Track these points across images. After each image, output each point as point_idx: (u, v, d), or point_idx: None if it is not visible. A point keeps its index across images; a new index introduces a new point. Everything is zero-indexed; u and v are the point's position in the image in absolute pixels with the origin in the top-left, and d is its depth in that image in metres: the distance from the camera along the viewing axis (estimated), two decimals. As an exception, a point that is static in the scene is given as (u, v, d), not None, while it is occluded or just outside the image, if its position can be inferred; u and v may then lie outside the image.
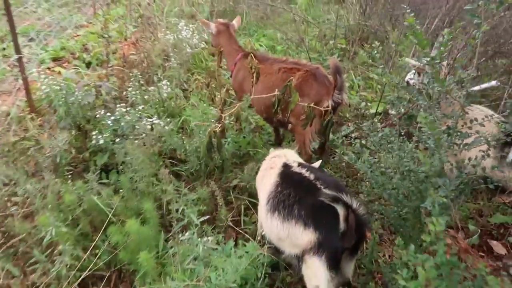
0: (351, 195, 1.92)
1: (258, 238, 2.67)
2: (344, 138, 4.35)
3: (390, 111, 4.64)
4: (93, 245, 2.56)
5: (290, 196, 2.10)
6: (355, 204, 1.89)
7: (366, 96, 4.92)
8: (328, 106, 2.96)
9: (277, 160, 2.51)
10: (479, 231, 3.06)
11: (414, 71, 3.75)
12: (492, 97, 3.73)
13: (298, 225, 2.00)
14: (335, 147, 4.08)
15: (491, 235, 3.18)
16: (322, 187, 2.03)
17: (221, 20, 4.09)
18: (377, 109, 4.56)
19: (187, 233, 2.16)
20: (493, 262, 2.96)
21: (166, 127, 3.12)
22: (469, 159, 2.16)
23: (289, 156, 2.60)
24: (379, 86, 5.17)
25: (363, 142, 4.15)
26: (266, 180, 2.38)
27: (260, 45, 6.56)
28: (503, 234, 3.16)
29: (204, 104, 3.32)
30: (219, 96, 2.91)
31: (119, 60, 5.29)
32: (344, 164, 3.84)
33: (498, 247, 3.06)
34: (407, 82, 3.87)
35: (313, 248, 1.94)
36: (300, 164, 2.33)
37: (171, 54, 4.54)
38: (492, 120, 2.92)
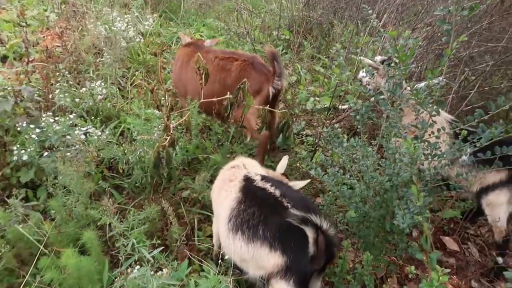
0: (320, 214, 1.83)
1: (215, 257, 2.48)
2: (295, 136, 4.28)
3: (340, 107, 4.59)
4: (23, 283, 2.17)
5: (255, 216, 1.94)
6: (325, 225, 1.79)
7: (314, 90, 4.82)
8: (268, 93, 3.09)
9: (237, 171, 2.33)
10: (432, 228, 3.11)
11: (366, 68, 3.68)
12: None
13: (263, 247, 1.87)
14: (288, 146, 3.94)
15: (442, 231, 3.25)
16: (289, 206, 1.90)
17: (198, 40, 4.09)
18: (330, 105, 4.49)
19: (136, 269, 1.87)
20: (447, 259, 3.02)
21: (104, 136, 2.73)
22: (435, 167, 2.11)
23: (250, 166, 2.42)
24: (326, 80, 5.10)
25: (315, 140, 4.11)
26: (224, 194, 2.20)
27: (201, 36, 6.20)
28: (454, 229, 3.24)
29: (148, 110, 2.95)
30: (164, 100, 2.58)
31: (41, 53, 4.66)
32: (298, 164, 3.71)
33: (450, 243, 3.14)
34: (360, 80, 3.81)
35: (280, 272, 1.83)
36: (263, 178, 2.16)
37: (104, 48, 4.05)
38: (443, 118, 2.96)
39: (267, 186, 2.05)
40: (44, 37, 5.36)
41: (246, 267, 2.02)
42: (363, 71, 3.83)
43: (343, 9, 5.79)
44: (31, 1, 6.34)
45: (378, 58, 3.56)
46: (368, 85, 3.58)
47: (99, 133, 2.76)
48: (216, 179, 2.43)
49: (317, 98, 4.75)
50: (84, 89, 3.34)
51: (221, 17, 6.65)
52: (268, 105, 2.77)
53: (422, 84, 2.48)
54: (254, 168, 2.40)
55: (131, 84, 4.51)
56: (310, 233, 1.79)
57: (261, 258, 1.88)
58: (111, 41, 3.85)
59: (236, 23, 6.19)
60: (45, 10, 6.04)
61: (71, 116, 2.84)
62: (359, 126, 2.43)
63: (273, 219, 1.89)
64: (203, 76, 2.76)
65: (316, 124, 4.40)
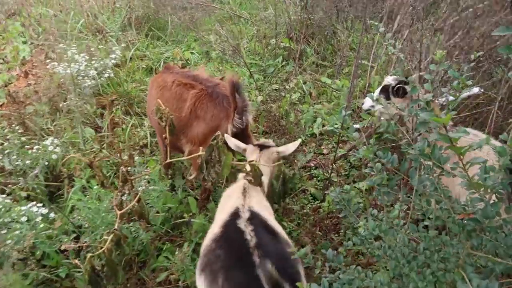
0: (295, 279, 1.60)
1: None
2: (301, 170, 3.62)
3: (353, 125, 3.88)
4: None
5: (219, 260, 1.74)
6: None
7: (322, 109, 4.13)
8: (227, 132, 2.54)
9: (238, 200, 2.02)
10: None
11: (377, 93, 2.94)
12: (473, 108, 3.05)
13: None
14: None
15: None
16: (258, 261, 1.64)
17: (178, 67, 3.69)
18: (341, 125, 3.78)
19: None
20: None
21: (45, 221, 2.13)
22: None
23: (250, 197, 2.06)
24: (334, 93, 4.39)
25: (326, 172, 3.42)
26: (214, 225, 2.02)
27: (192, 53, 5.59)
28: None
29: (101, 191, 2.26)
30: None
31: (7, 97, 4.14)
32: (307, 210, 3.04)
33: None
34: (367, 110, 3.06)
35: None
36: (251, 218, 1.88)
37: (70, 87, 3.47)
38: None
39: (247, 230, 1.78)
40: (17, 75, 4.86)
41: None
42: (369, 97, 3.04)
43: (346, 9, 5.06)
44: (12, 34, 5.85)
45: (390, 78, 2.83)
46: (381, 114, 2.88)
47: (44, 211, 2.16)
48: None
49: (324, 119, 4.05)
50: (36, 147, 2.76)
51: (214, 29, 6.02)
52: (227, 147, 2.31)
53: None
54: (254, 202, 2.03)
55: (110, 122, 3.94)
56: None
57: None
58: (73, 82, 3.26)
59: (229, 34, 5.53)
60: (24, 43, 5.54)
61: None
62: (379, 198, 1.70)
63: (236, 273, 1.68)
64: (166, 128, 2.14)
65: (327, 151, 3.71)
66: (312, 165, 3.55)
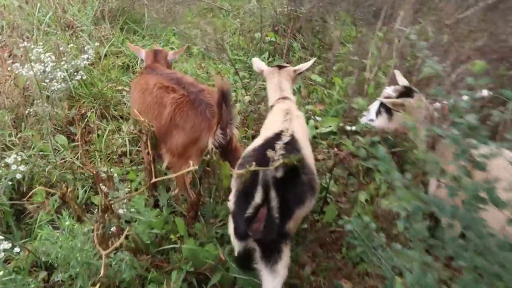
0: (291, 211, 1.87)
1: None
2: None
3: (348, 128, 3.65)
4: None
5: (247, 163, 1.88)
6: (273, 205, 1.79)
7: (314, 110, 3.88)
8: (206, 147, 2.34)
9: (280, 122, 2.26)
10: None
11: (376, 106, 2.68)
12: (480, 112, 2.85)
13: (233, 189, 1.98)
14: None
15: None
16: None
17: (156, 47, 3.41)
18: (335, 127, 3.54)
19: None
20: None
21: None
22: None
23: (293, 120, 2.27)
24: (325, 92, 4.14)
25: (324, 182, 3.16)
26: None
27: (172, 48, 5.22)
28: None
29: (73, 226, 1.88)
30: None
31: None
32: (305, 224, 2.80)
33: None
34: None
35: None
36: (287, 144, 2.04)
37: (36, 92, 3.09)
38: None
39: (279, 151, 1.94)
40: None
41: None
42: (369, 113, 2.74)
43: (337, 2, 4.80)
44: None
45: (389, 89, 2.57)
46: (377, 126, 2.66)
47: (7, 246, 1.83)
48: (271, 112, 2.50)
49: (317, 118, 3.81)
50: (-2, 165, 2.40)
51: (195, 22, 5.65)
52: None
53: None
54: (295, 122, 2.26)
55: (84, 128, 3.57)
56: (257, 196, 1.77)
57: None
58: (38, 85, 2.88)
59: (211, 27, 5.18)
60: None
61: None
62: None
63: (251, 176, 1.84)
64: (147, 143, 1.84)
65: (322, 157, 3.47)
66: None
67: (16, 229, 2.66)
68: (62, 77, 3.00)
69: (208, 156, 1.72)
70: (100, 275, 1.19)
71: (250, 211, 1.80)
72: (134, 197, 1.99)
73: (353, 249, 2.63)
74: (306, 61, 4.75)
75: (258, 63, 2.79)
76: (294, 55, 4.95)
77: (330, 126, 3.68)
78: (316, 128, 3.69)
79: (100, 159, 3.23)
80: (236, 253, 2.11)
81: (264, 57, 4.87)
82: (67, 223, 1.66)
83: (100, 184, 1.84)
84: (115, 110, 3.91)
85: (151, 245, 2.36)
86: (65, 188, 1.53)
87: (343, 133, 3.65)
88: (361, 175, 3.24)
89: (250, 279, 2.34)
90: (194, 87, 2.60)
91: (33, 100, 3.52)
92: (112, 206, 1.86)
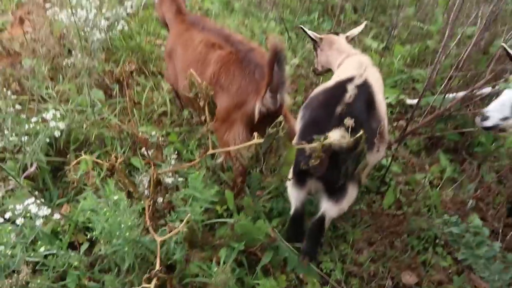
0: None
1: None
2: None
3: (407, 101, 3.29)
4: None
5: (316, 102, 2.06)
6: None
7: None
8: (253, 112, 2.12)
9: (352, 69, 2.20)
10: None
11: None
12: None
13: (299, 126, 2.04)
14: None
15: None
16: (338, 113, 1.86)
17: None
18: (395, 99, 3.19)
19: None
20: None
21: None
22: None
23: (368, 71, 2.18)
24: (382, 60, 3.74)
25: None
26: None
27: (212, 3, 4.85)
28: None
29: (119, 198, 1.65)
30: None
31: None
32: (362, 205, 2.53)
33: None
34: None
35: None
36: (360, 87, 2.00)
37: (75, 41, 2.84)
38: None
39: (351, 92, 1.95)
40: (11, 21, 4.16)
41: None
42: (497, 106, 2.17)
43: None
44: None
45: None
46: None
47: (46, 212, 1.64)
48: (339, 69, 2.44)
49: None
50: (35, 119, 2.19)
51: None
52: (252, 131, 1.92)
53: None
54: (370, 74, 2.17)
55: (121, 85, 3.33)
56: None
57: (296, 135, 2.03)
58: (78, 34, 2.62)
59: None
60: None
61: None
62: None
63: (317, 110, 1.99)
64: (205, 108, 1.57)
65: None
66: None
67: (52, 186, 2.50)
68: (106, 26, 2.72)
69: (275, 129, 1.44)
70: (157, 269, 0.97)
71: (307, 152, 1.69)
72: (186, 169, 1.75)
73: (416, 236, 2.38)
74: (357, 25, 4.38)
75: (311, 33, 2.71)
76: (345, 18, 4.51)
77: (387, 98, 3.32)
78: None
79: (140, 118, 3.01)
80: (292, 210, 2.07)
81: (314, 17, 4.46)
82: (115, 197, 1.45)
83: (149, 152, 1.60)
84: (153, 66, 3.66)
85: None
86: (114, 158, 1.29)
87: (402, 107, 3.30)
88: (423, 155, 2.93)
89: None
90: (243, 45, 2.31)
91: (70, 50, 3.30)
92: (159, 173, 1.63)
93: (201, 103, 1.47)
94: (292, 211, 2.10)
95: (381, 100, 2.15)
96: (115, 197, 1.43)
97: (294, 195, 2.04)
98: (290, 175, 1.95)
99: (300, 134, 1.97)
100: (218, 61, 2.24)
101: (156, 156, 1.50)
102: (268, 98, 2.04)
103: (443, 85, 2.93)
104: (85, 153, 2.69)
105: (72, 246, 1.97)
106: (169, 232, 1.13)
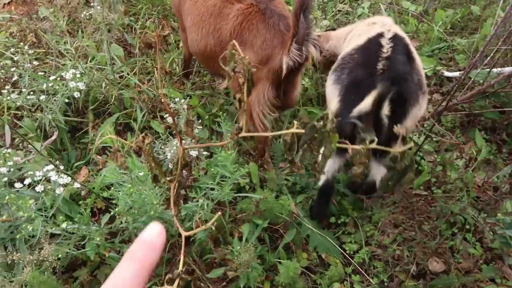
0: (403, 102, 1.75)
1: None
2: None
3: (445, 73, 3.06)
4: None
5: (352, 61, 1.96)
6: (384, 119, 1.66)
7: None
8: (281, 67, 1.99)
9: (377, 27, 2.13)
10: None
11: None
12: None
13: (337, 90, 1.93)
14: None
15: None
16: (381, 69, 1.77)
17: None
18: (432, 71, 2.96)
19: None
20: None
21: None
22: None
23: (391, 26, 2.13)
24: (421, 26, 3.46)
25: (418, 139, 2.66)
26: (352, 44, 2.12)
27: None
28: None
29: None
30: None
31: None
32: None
33: None
34: None
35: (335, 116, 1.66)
36: (393, 38, 1.94)
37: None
38: None
39: (387, 46, 1.87)
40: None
41: (328, 106, 2.06)
42: None
43: None
44: None
45: None
46: None
47: (66, 180, 1.57)
48: (349, 41, 2.31)
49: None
50: (53, 77, 2.07)
51: None
52: (278, 87, 2.08)
53: None
54: (395, 28, 2.12)
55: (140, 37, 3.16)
56: (364, 102, 1.68)
57: (332, 100, 1.95)
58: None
59: None
60: None
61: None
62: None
63: (357, 70, 1.89)
64: (244, 85, 1.43)
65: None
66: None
67: (70, 147, 2.44)
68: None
69: (322, 123, 1.29)
70: (179, 269, 0.88)
71: (353, 116, 1.71)
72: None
73: (444, 221, 2.28)
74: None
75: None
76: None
77: (424, 69, 3.09)
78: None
79: (161, 79, 2.87)
80: (322, 182, 2.03)
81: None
82: (141, 173, 1.36)
83: (176, 123, 1.49)
84: (174, 21, 3.46)
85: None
86: (142, 138, 1.17)
87: (438, 79, 3.08)
88: (457, 132, 2.76)
89: (324, 237, 2.08)
90: None
91: (87, 1, 3.12)
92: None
93: (240, 80, 1.31)
94: (321, 183, 2.04)
95: (415, 52, 2.08)
96: (140, 173, 1.35)
97: (330, 164, 1.94)
98: None
99: (341, 99, 1.87)
100: (239, 15, 2.09)
101: (186, 132, 1.38)
102: (294, 50, 1.92)
103: (488, 58, 2.70)
104: (103, 113, 2.62)
105: (91, 212, 1.94)
106: (196, 228, 1.03)
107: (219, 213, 1.10)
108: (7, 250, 1.64)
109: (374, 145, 1.49)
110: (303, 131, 1.37)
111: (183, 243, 1.14)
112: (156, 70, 2.81)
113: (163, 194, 1.50)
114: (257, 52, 2.05)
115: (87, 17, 2.60)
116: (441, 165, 2.55)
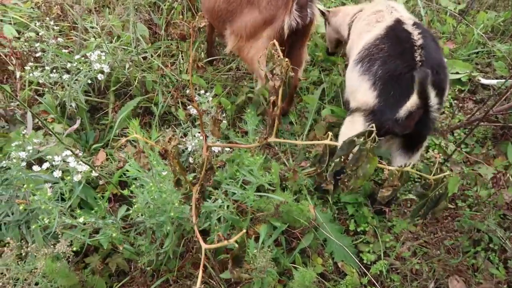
0: (442, 91, 1.75)
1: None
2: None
3: (481, 80, 2.91)
4: None
5: (381, 51, 1.85)
6: (433, 104, 1.62)
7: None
8: (283, 27, 2.04)
9: (386, 15, 2.13)
10: None
11: None
12: None
13: (368, 82, 1.82)
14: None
15: None
16: (419, 61, 1.72)
17: None
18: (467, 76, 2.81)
19: None
20: None
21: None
22: None
23: (402, 11, 2.17)
24: (460, 27, 3.27)
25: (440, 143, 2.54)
26: (366, 35, 2.09)
27: None
28: None
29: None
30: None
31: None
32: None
33: None
34: None
35: (365, 111, 1.83)
36: (415, 24, 1.95)
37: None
38: None
39: (415, 32, 1.85)
40: None
41: (350, 99, 2.01)
42: None
43: None
44: None
45: None
46: None
47: (84, 168, 1.52)
48: (354, 25, 2.33)
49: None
50: (78, 56, 2.01)
51: None
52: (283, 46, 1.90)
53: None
54: (406, 13, 2.17)
55: (166, 24, 3.07)
56: (414, 99, 1.60)
57: (360, 91, 1.86)
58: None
59: None
60: None
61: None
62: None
63: (393, 62, 1.78)
64: (279, 90, 1.34)
65: (443, 112, 2.82)
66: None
67: (89, 127, 2.39)
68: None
69: (363, 140, 1.21)
70: (198, 286, 0.83)
71: (403, 113, 1.64)
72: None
73: (467, 237, 2.18)
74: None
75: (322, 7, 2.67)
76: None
77: (457, 73, 2.95)
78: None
79: (184, 64, 2.79)
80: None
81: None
82: (164, 173, 1.30)
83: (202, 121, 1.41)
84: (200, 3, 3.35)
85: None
86: (168, 141, 1.11)
87: (473, 86, 2.93)
88: (488, 144, 2.63)
89: (340, 245, 2.01)
90: None
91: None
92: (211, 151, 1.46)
93: (277, 83, 1.23)
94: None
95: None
96: (164, 172, 1.29)
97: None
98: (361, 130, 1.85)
99: (379, 94, 1.77)
100: None
101: (213, 131, 1.31)
102: (296, 12, 1.98)
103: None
104: (125, 95, 2.57)
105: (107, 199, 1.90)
106: (217, 242, 0.97)
107: (244, 231, 1.05)
108: (21, 232, 1.62)
109: (409, 168, 1.40)
110: (338, 143, 1.29)
111: (202, 258, 1.08)
112: (182, 57, 2.73)
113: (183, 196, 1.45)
114: (262, 12, 2.09)
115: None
116: (468, 176, 2.45)
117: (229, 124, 2.56)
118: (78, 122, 1.72)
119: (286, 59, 1.33)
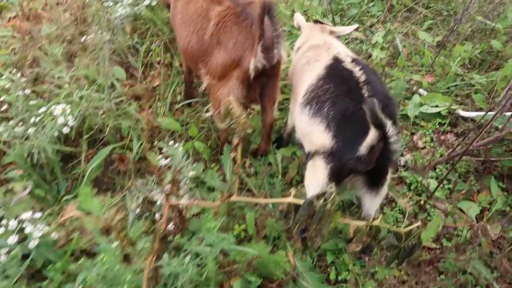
0: (395, 120, 1.76)
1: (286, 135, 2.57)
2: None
3: (460, 113, 2.89)
4: None
5: (327, 92, 1.86)
6: (392, 135, 1.55)
7: (420, 81, 3.10)
8: (247, 69, 2.07)
9: (323, 52, 2.17)
10: None
11: None
12: None
13: (321, 124, 1.83)
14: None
15: None
16: (367, 95, 1.76)
17: None
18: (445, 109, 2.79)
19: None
20: None
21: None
22: None
23: (338, 47, 2.22)
24: (436, 59, 3.29)
25: (419, 181, 2.50)
26: (308, 74, 2.10)
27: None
28: None
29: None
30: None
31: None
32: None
33: None
34: None
35: (324, 153, 1.82)
36: (354, 60, 1.99)
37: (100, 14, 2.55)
38: None
39: (355, 69, 1.89)
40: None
41: (304, 142, 2.04)
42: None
43: None
44: None
45: None
46: None
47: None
48: (295, 61, 2.37)
49: (422, 92, 3.04)
50: (43, 109, 1.97)
51: None
52: (248, 88, 2.18)
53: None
54: (344, 50, 2.20)
55: (144, 64, 3.06)
56: (372, 133, 1.56)
57: (314, 134, 1.86)
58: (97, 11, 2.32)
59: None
60: None
61: None
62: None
63: (342, 101, 1.79)
64: (238, 146, 1.30)
65: (422, 145, 2.78)
66: (401, 162, 2.67)
67: (61, 177, 2.33)
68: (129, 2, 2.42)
69: (322, 201, 1.17)
70: None
71: (363, 150, 1.62)
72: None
73: (453, 281, 2.10)
74: (411, 12, 3.89)
75: (298, 20, 2.59)
76: (398, 1, 4.01)
77: (437, 106, 2.94)
78: (421, 105, 2.95)
79: (161, 107, 2.76)
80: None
81: (363, 0, 3.99)
82: (114, 244, 1.23)
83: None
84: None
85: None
86: (113, 214, 1.05)
87: (454, 119, 2.91)
88: (471, 179, 2.58)
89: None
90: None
91: (92, 21, 3.03)
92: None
93: (235, 141, 1.20)
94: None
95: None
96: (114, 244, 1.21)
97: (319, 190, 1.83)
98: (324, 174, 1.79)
99: (335, 135, 1.77)
100: (216, 16, 2.14)
101: (171, 191, 1.25)
102: (260, 54, 1.98)
103: (506, 100, 2.54)
104: (99, 141, 2.51)
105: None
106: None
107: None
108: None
109: (377, 222, 1.35)
110: (301, 201, 1.23)
111: None
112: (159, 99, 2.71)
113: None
114: (229, 53, 2.11)
115: (88, 41, 2.50)
116: (451, 214, 2.39)
117: (205, 167, 2.51)
118: (29, 188, 1.66)
119: (243, 116, 1.29)
